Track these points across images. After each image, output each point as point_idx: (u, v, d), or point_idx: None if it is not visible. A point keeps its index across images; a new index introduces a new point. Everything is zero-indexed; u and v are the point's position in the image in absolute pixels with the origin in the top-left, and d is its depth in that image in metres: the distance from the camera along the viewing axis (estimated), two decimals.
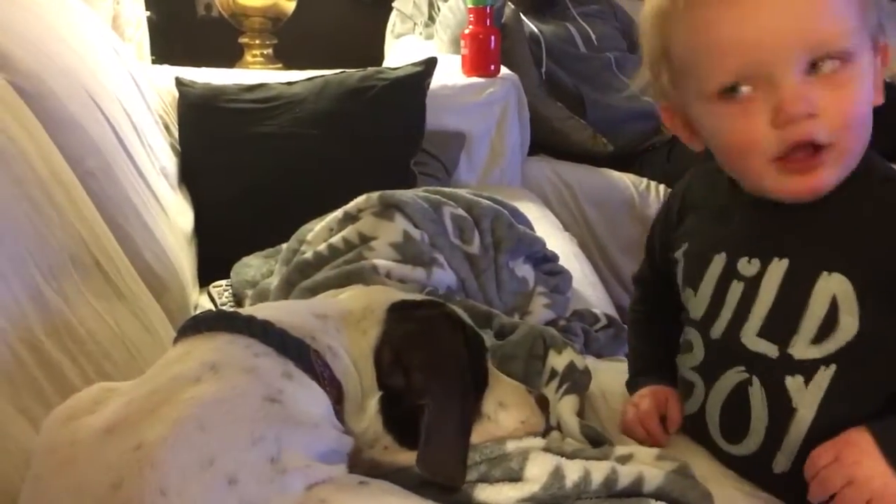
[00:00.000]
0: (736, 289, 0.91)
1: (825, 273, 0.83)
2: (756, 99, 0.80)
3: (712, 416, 0.95)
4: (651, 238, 1.09)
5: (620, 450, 0.88)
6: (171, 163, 1.80)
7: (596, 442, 0.93)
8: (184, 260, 1.58)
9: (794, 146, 0.80)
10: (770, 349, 0.87)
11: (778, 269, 0.87)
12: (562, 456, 0.83)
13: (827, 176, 0.82)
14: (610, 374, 1.17)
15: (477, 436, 0.86)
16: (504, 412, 0.89)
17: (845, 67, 0.79)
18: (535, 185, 2.52)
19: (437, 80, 2.14)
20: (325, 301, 0.91)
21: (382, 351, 0.80)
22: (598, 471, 0.80)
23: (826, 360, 0.84)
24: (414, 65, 2.07)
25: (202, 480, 0.62)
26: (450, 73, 2.37)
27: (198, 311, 1.25)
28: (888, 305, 0.81)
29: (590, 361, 1.18)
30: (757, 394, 0.89)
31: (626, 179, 2.56)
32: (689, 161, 1.04)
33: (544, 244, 1.52)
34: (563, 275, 1.51)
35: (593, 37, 2.76)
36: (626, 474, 0.80)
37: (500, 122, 2.39)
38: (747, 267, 0.90)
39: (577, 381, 1.06)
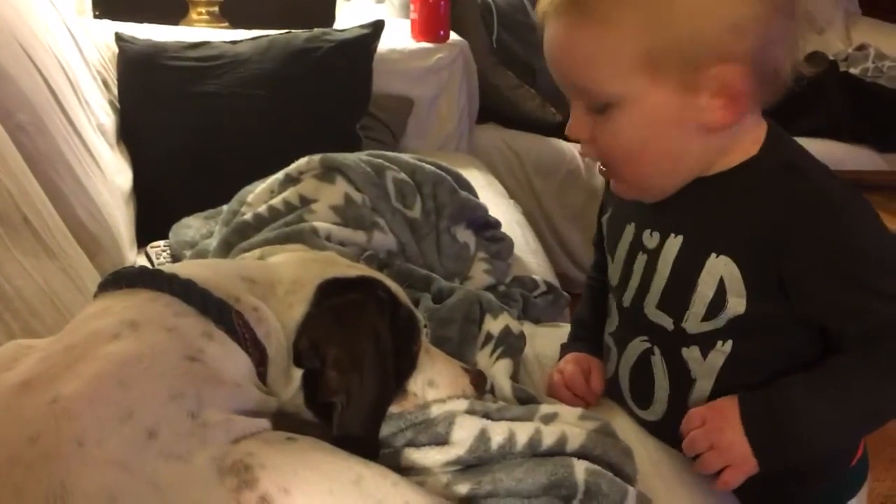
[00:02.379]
0: (641, 260, 0.93)
1: (714, 255, 0.85)
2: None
3: (623, 382, 0.97)
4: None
5: (545, 409, 0.89)
6: (108, 120, 1.75)
7: (526, 403, 0.94)
8: (120, 219, 1.55)
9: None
10: (667, 322, 0.90)
11: (673, 245, 0.89)
12: (487, 416, 0.84)
13: (621, 188, 0.90)
14: (546, 340, 1.19)
15: (400, 408, 0.86)
16: (433, 391, 0.88)
17: (613, 109, 0.82)
18: (483, 152, 2.52)
19: (386, 44, 2.12)
20: (256, 264, 0.89)
21: (301, 336, 0.79)
22: (523, 432, 0.82)
23: (721, 335, 0.86)
24: (361, 27, 2.05)
25: (121, 433, 0.62)
26: (399, 38, 2.35)
27: None
28: (773, 290, 0.83)
29: (527, 327, 1.20)
30: (658, 363, 0.92)
31: (574, 149, 2.57)
32: None
33: (486, 210, 1.52)
34: (504, 241, 1.52)
35: None
36: (549, 434, 0.82)
37: (448, 88, 2.38)
38: (650, 239, 0.92)
39: (511, 345, 1.07)
